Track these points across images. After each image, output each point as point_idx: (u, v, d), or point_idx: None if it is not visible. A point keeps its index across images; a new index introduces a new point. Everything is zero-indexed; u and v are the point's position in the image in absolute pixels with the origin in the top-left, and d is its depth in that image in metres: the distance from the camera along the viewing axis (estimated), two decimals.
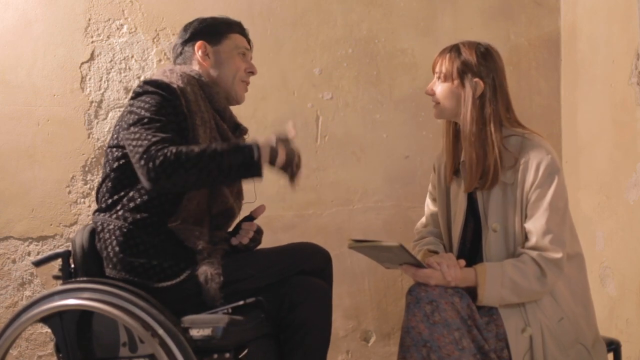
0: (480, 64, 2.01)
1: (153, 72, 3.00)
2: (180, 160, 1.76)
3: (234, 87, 2.12)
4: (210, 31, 2.13)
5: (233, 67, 2.12)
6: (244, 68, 2.14)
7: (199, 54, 2.10)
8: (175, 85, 1.94)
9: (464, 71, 2.01)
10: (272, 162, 1.84)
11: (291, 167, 1.88)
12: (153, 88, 1.93)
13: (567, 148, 3.01)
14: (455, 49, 2.06)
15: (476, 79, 2.00)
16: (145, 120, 1.87)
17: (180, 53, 2.15)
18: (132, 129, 1.88)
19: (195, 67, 2.11)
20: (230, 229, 2.16)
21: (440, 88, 2.06)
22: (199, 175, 1.79)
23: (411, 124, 3.05)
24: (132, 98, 1.96)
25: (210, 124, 1.98)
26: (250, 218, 2.16)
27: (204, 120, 1.95)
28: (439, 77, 2.07)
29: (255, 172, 1.82)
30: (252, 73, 2.18)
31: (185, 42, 2.14)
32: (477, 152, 1.98)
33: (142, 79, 2.99)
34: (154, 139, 1.81)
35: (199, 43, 2.10)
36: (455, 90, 2.03)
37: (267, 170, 1.85)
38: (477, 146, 1.99)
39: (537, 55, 3.08)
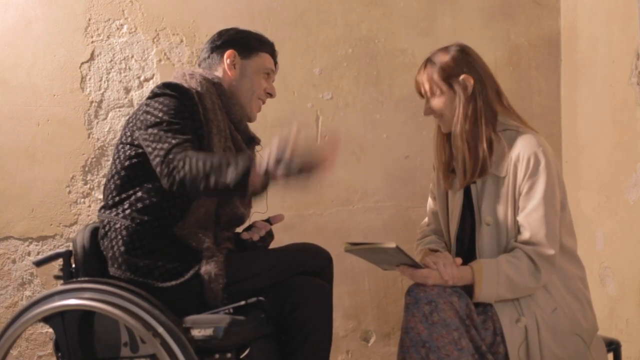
0: (457, 62, 2.02)
1: (153, 71, 3.00)
2: (200, 173, 1.73)
3: (250, 103, 2.12)
4: (243, 43, 2.12)
5: (255, 85, 2.12)
6: (264, 88, 2.14)
7: (227, 62, 2.09)
8: (193, 91, 1.93)
9: (447, 75, 2.02)
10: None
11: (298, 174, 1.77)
12: (171, 91, 1.92)
13: (567, 148, 3.02)
14: (428, 62, 2.07)
15: (463, 76, 2.01)
16: (165, 123, 1.86)
17: (207, 57, 2.14)
18: (150, 130, 1.87)
19: (219, 74, 2.10)
20: (240, 229, 2.16)
21: (434, 103, 2.06)
22: (211, 186, 1.73)
23: (411, 124, 3.05)
24: (149, 98, 1.95)
25: (225, 133, 1.98)
26: (267, 221, 2.18)
27: (220, 129, 1.95)
28: (428, 95, 2.07)
29: (243, 187, 1.74)
30: (271, 95, 2.18)
31: (215, 48, 2.13)
32: (470, 147, 2.00)
33: (143, 80, 2.99)
34: (174, 141, 1.81)
35: (229, 52, 2.09)
36: (449, 97, 2.03)
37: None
38: (469, 141, 2.00)
39: (537, 55, 3.08)
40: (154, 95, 1.94)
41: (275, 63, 2.20)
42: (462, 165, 2.02)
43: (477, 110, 2.00)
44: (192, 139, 1.85)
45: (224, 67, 2.10)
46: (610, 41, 2.64)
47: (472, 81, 2.01)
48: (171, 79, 2.06)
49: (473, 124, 2.00)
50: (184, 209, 1.91)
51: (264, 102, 2.18)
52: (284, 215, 2.21)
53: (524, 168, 1.94)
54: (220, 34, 2.15)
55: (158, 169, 1.82)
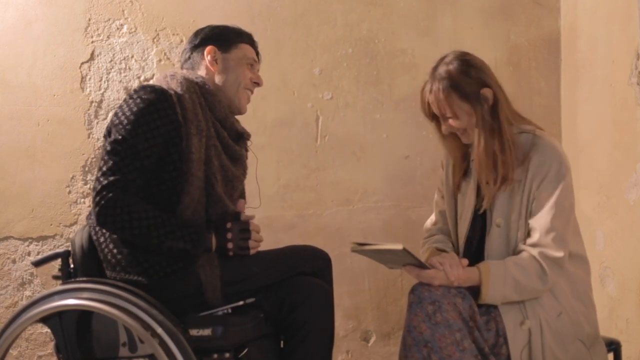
0: (471, 77, 1.96)
1: (154, 71, 3.00)
2: (125, 225, 1.83)
3: (237, 95, 2.10)
4: (221, 38, 2.12)
5: (240, 76, 2.10)
6: (249, 77, 2.13)
7: (207, 58, 2.09)
8: (172, 92, 1.93)
9: (467, 94, 1.96)
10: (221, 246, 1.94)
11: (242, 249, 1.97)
12: (145, 94, 1.91)
13: (567, 148, 3.01)
14: (437, 80, 1.97)
15: (482, 90, 1.96)
16: (118, 142, 1.87)
17: (189, 58, 2.13)
18: (106, 145, 1.90)
19: (202, 72, 2.10)
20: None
21: (454, 123, 1.99)
22: (137, 239, 1.86)
23: (411, 124, 3.05)
24: (124, 99, 1.96)
25: (207, 132, 1.96)
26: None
27: (199, 129, 1.94)
28: (448, 117, 1.99)
29: (191, 258, 1.89)
30: (258, 84, 2.16)
31: (194, 48, 2.12)
32: (496, 161, 1.95)
33: (143, 80, 3.00)
34: (111, 179, 1.84)
35: (208, 48, 2.09)
36: (469, 114, 1.97)
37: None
38: (496, 154, 1.95)
39: (537, 55, 3.08)
40: (129, 97, 1.94)
41: (257, 53, 2.20)
42: (488, 178, 1.97)
43: (500, 122, 1.96)
44: (134, 177, 1.87)
45: (206, 64, 2.09)
46: (610, 41, 2.64)
47: (491, 93, 1.97)
48: (154, 80, 2.06)
49: (499, 136, 1.95)
50: (172, 211, 1.90)
51: (252, 92, 2.17)
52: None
53: (541, 173, 1.92)
54: (197, 33, 2.15)
55: (92, 196, 1.87)
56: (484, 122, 1.96)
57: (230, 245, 1.93)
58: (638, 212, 2.44)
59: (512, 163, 1.95)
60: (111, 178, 1.84)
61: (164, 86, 1.95)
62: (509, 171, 1.95)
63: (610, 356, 2.05)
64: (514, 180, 1.96)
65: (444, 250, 2.12)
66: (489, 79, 1.99)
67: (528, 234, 1.95)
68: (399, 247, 1.78)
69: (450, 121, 2.00)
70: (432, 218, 2.31)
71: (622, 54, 2.53)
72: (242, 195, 2.16)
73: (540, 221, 1.92)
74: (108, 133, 1.94)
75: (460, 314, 1.83)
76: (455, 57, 1.99)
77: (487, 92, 1.97)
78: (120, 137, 1.88)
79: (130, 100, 1.92)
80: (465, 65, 1.98)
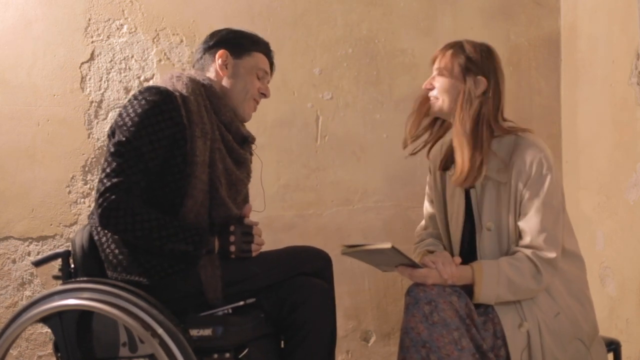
0: (483, 62, 2.01)
1: (154, 71, 3.00)
2: (128, 227, 1.82)
3: (243, 104, 2.09)
4: (236, 43, 2.10)
5: (249, 85, 2.09)
6: (257, 87, 2.11)
7: (218, 62, 2.07)
8: (177, 94, 1.91)
9: (467, 67, 2.00)
10: (224, 247, 1.94)
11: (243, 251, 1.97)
12: (150, 95, 1.89)
13: (567, 148, 3.02)
14: (458, 45, 2.04)
15: (480, 77, 1.99)
16: (122, 143, 1.86)
17: (200, 58, 2.12)
18: (110, 146, 1.89)
19: (211, 75, 2.08)
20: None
21: (440, 82, 2.03)
22: (139, 241, 1.85)
23: None
24: (129, 100, 1.94)
25: (212, 135, 1.95)
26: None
27: (204, 131, 1.93)
28: (439, 73, 2.04)
29: (193, 260, 1.89)
30: (265, 95, 2.15)
31: (207, 49, 2.11)
32: (470, 151, 1.96)
33: (143, 80, 3.00)
34: (115, 181, 1.83)
35: (221, 51, 2.07)
36: (456, 85, 2.01)
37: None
38: (471, 144, 1.96)
39: (537, 55, 3.08)
40: (134, 98, 1.92)
41: (272, 64, 2.18)
42: (460, 167, 1.98)
43: (481, 113, 1.98)
44: (138, 178, 1.86)
45: (215, 68, 2.08)
46: (610, 41, 2.64)
47: (485, 84, 1.99)
48: (159, 81, 2.04)
49: (476, 126, 1.97)
50: (175, 213, 1.90)
51: (258, 103, 2.15)
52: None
53: (526, 174, 1.92)
54: (213, 34, 2.13)
55: (95, 197, 1.86)
56: (463, 104, 1.98)
57: (232, 248, 1.93)
58: (638, 212, 2.44)
59: (482, 161, 1.95)
60: (115, 180, 1.83)
61: (169, 87, 1.93)
62: (476, 166, 1.95)
63: (610, 356, 2.05)
64: (491, 179, 1.97)
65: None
66: (492, 79, 2.01)
67: (519, 236, 1.96)
68: (388, 245, 1.78)
69: (437, 79, 2.04)
70: (422, 223, 2.30)
71: (622, 54, 2.53)
72: (246, 199, 2.14)
73: (529, 223, 1.92)
74: (112, 134, 1.93)
75: (457, 312, 1.83)
76: (487, 44, 2.08)
77: (483, 80, 1.99)
78: (124, 138, 1.86)
79: (135, 102, 1.90)
80: (489, 53, 2.05)
